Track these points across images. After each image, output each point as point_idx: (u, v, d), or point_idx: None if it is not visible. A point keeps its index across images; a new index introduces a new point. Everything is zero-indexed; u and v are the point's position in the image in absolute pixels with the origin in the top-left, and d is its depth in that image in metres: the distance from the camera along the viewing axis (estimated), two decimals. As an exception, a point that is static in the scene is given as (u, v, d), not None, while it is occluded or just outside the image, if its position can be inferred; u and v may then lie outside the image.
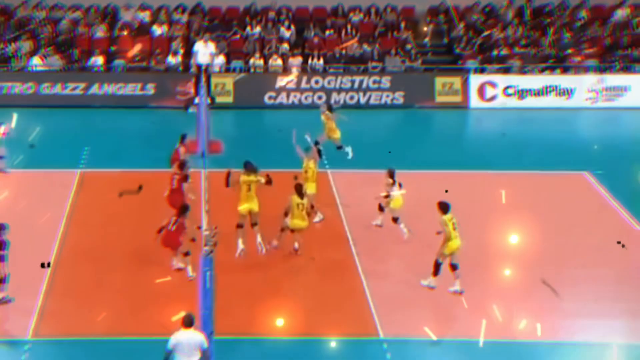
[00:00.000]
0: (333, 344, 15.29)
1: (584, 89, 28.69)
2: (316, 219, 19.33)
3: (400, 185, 18.56)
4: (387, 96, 28.76)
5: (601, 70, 29.36)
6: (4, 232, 15.82)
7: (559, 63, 29.73)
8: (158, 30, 30.58)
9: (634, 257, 18.18)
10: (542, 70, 29.52)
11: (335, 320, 15.81)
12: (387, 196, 18.56)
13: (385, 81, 28.88)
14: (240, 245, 17.94)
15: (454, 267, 16.57)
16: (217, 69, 28.63)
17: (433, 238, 16.82)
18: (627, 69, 29.41)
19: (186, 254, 17.07)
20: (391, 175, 18.60)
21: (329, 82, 28.82)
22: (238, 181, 18.05)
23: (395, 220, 18.75)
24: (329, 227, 19.42)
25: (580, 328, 15.77)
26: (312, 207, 19.02)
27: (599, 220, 20.07)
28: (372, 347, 15.18)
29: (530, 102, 28.72)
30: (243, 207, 17.99)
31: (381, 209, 19.05)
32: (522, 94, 28.83)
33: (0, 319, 15.58)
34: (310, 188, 18.75)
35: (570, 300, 16.48)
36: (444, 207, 16.47)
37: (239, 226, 18.02)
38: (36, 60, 28.96)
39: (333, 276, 17.53)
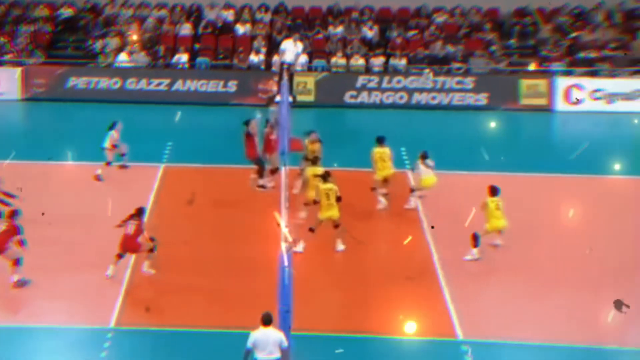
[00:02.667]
0: (409, 344, 15.22)
1: (675, 93, 28.08)
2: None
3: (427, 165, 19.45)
4: (470, 97, 28.53)
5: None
6: (17, 218, 16.52)
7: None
8: (241, 28, 30.89)
9: None
10: (632, 74, 28.89)
11: (414, 319, 15.78)
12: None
13: (469, 82, 28.65)
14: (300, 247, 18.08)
15: (475, 237, 17.67)
16: (299, 67, 28.76)
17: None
18: None
19: (152, 250, 16.81)
20: (423, 157, 19.52)
21: (410, 82, 28.73)
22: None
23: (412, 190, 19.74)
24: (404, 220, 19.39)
25: None
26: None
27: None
28: (450, 348, 15.08)
29: (620, 106, 28.15)
30: (323, 216, 18.09)
31: (411, 190, 19.87)
32: (611, 98, 28.28)
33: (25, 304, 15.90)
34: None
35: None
36: (493, 191, 17.75)
37: (311, 230, 18.18)
38: (123, 57, 29.53)
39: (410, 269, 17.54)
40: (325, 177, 18.22)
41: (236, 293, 16.39)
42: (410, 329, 15.48)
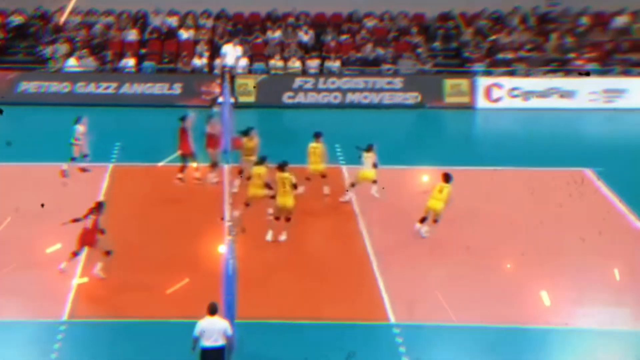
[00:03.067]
0: (344, 329, 15.25)
1: (586, 91, 28.48)
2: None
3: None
4: (399, 96, 28.69)
5: (602, 73, 29.15)
6: None
7: (562, 66, 29.53)
8: (185, 34, 30.60)
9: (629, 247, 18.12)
10: (546, 73, 29.32)
11: (348, 304, 15.82)
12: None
13: (398, 82, 28.80)
14: (269, 237, 18.08)
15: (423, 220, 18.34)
16: (240, 70, 28.63)
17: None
18: (626, 73, 29.17)
19: (107, 253, 16.48)
20: (367, 151, 19.84)
21: (344, 83, 28.79)
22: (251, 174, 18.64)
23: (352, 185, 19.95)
24: (340, 215, 19.48)
25: (582, 315, 15.69)
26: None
27: (598, 214, 19.96)
28: (383, 331, 15.15)
29: (535, 103, 28.53)
30: (278, 202, 18.13)
31: (352, 184, 20.12)
32: (527, 95, 28.66)
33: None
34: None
35: (573, 289, 16.42)
36: (446, 177, 18.29)
37: (276, 218, 18.27)
38: (72, 62, 29.05)
39: (345, 261, 17.57)
40: (282, 166, 18.20)
41: (184, 285, 16.25)
42: (345, 314, 15.54)
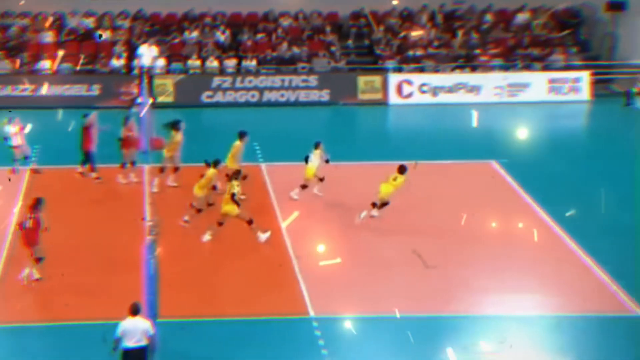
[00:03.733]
0: (266, 324, 15.28)
1: (490, 85, 29.07)
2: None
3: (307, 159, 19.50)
4: (315, 94, 28.81)
5: (505, 68, 29.78)
6: None
7: (468, 62, 30.07)
8: (102, 35, 30.08)
9: (530, 235, 18.64)
10: (453, 69, 29.81)
11: (269, 301, 15.85)
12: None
13: (313, 80, 28.90)
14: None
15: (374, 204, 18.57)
16: (158, 70, 28.31)
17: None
18: (527, 67, 29.88)
19: (38, 260, 16.00)
20: (315, 147, 19.73)
21: (261, 82, 28.75)
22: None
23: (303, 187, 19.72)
24: (260, 213, 19.47)
25: (491, 302, 16.06)
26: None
27: (504, 202, 20.45)
28: (302, 325, 15.23)
29: (443, 98, 29.00)
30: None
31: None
32: (435, 91, 29.10)
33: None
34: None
35: (478, 278, 16.78)
36: (401, 169, 18.61)
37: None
38: (-12, 64, 28.32)
39: (266, 258, 17.56)
40: (235, 175, 17.95)
41: (106, 286, 16.03)
42: (265, 309, 15.56)
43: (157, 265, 13.77)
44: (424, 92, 29.09)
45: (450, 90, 29.11)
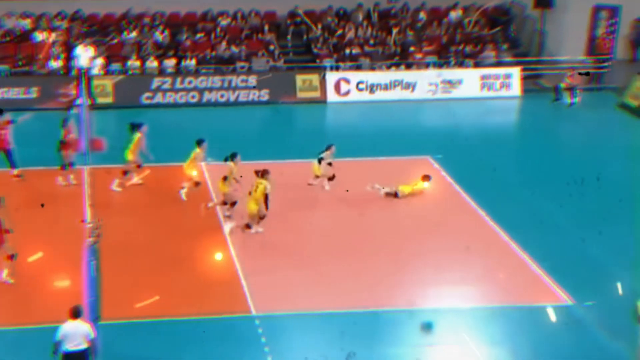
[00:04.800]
0: (209, 323, 15.15)
1: (425, 82, 29.25)
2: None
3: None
4: (254, 94, 28.65)
5: (439, 65, 30.00)
6: None
7: (403, 60, 30.24)
8: (39, 36, 29.41)
9: (465, 229, 18.83)
10: (389, 67, 29.94)
11: (210, 299, 15.71)
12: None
13: (252, 80, 28.74)
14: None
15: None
16: (97, 71, 27.83)
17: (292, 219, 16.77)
18: (460, 64, 30.15)
19: (11, 257, 15.85)
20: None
21: (200, 82, 28.48)
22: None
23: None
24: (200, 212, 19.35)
25: (427, 296, 16.21)
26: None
27: (439, 197, 20.63)
28: (244, 323, 15.14)
29: (380, 95, 29.09)
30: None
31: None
32: (372, 88, 29.19)
33: None
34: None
35: (414, 272, 16.90)
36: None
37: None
38: None
39: (206, 256, 17.40)
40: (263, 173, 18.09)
41: (46, 289, 15.73)
42: (207, 308, 15.44)
43: (98, 267, 13.56)
44: (361, 89, 29.13)
45: (387, 87, 29.21)
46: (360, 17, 31.86)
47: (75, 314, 12.75)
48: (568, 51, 30.63)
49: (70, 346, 12.64)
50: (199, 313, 15.26)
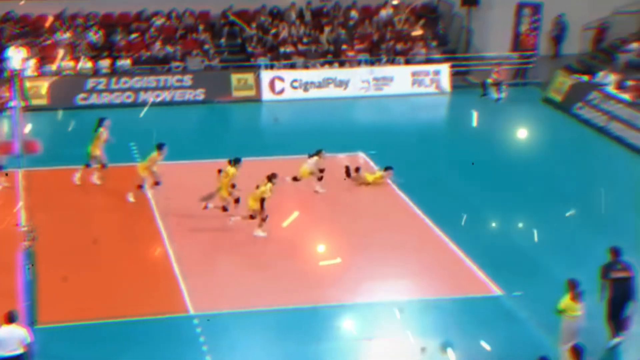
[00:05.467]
0: (147, 324, 14.89)
1: (357, 80, 29.27)
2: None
3: None
4: (190, 93, 28.28)
5: (371, 63, 30.05)
6: None
7: (336, 58, 30.20)
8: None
9: (399, 224, 18.90)
10: (323, 65, 29.85)
11: (149, 301, 15.44)
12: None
13: (188, 79, 28.36)
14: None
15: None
16: (30, 72, 27.10)
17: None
18: (391, 62, 30.22)
19: None
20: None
21: (135, 82, 27.98)
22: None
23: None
24: (137, 212, 19.01)
25: (363, 290, 16.21)
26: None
27: (374, 193, 20.64)
28: (182, 323, 14.91)
29: (314, 93, 28.99)
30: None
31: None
32: (306, 86, 29.09)
33: None
34: None
35: (352, 267, 16.90)
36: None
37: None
38: None
39: (144, 258, 17.10)
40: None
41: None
42: (145, 309, 15.17)
43: (33, 271, 13.20)
44: (295, 87, 29.00)
45: (320, 85, 29.13)
46: (293, 16, 31.71)
47: (10, 318, 12.39)
48: (494, 47, 30.99)
49: (5, 352, 12.26)
50: (136, 315, 14.97)
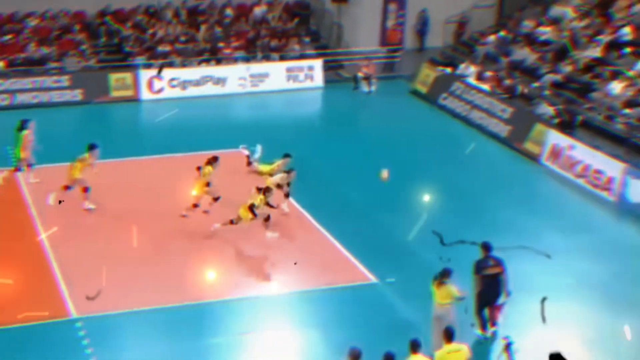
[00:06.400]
0: (28, 330, 14.33)
1: (235, 77, 29.01)
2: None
3: None
4: (68, 94, 27.29)
5: (247, 60, 29.84)
6: None
7: (213, 55, 29.85)
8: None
9: (278, 217, 18.91)
10: (200, 63, 29.42)
11: (29, 307, 14.86)
12: None
13: (65, 80, 27.35)
14: None
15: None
16: None
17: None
18: (267, 58, 30.12)
19: None
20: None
21: (11, 84, 26.76)
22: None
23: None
24: (13, 214, 18.27)
25: (244, 285, 16.17)
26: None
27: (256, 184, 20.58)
28: (64, 327, 14.45)
29: (192, 91, 28.54)
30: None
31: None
32: (184, 85, 28.61)
33: None
34: None
35: (229, 261, 16.81)
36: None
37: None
38: None
39: (22, 261, 16.46)
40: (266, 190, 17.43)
41: None
42: (26, 316, 14.60)
43: None
44: (173, 86, 28.46)
45: (198, 83, 28.71)
46: (170, 14, 31.11)
47: None
48: (363, 42, 31.46)
49: None
50: (16, 321, 14.37)
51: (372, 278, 16.43)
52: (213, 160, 18.33)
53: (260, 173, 20.38)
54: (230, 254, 17.15)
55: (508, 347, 12.36)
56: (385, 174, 18.49)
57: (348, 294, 15.88)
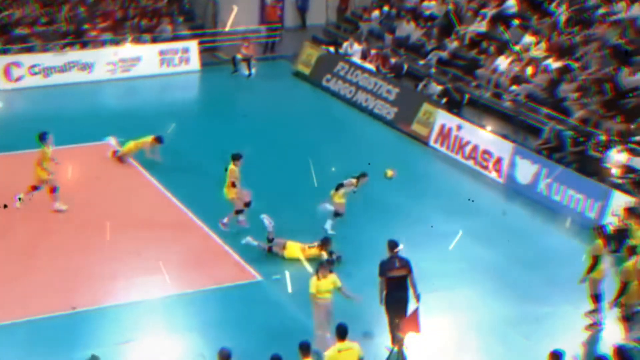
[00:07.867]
0: None
1: (103, 62, 28.24)
2: None
3: None
4: None
5: (116, 42, 29.07)
6: None
7: (78, 38, 28.91)
8: None
9: (156, 214, 18.65)
10: (64, 47, 28.40)
11: None
12: None
13: None
14: None
15: None
16: None
17: None
18: (138, 40, 29.43)
19: None
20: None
21: None
22: None
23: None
24: None
25: (121, 289, 15.88)
26: None
27: (128, 183, 20.25)
28: None
29: (56, 79, 27.56)
30: None
31: None
32: (47, 71, 27.59)
33: None
34: None
35: (106, 265, 16.51)
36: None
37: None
38: None
39: None
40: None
41: None
42: None
43: None
44: (34, 73, 27.39)
45: (63, 69, 27.77)
46: (25, -7, 29.89)
47: None
48: (242, 21, 31.17)
49: None
50: None
51: (257, 275, 16.46)
52: (237, 158, 17.49)
53: (128, 152, 20.54)
54: (105, 255, 16.78)
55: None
56: (390, 172, 18.52)
57: (233, 294, 15.85)
